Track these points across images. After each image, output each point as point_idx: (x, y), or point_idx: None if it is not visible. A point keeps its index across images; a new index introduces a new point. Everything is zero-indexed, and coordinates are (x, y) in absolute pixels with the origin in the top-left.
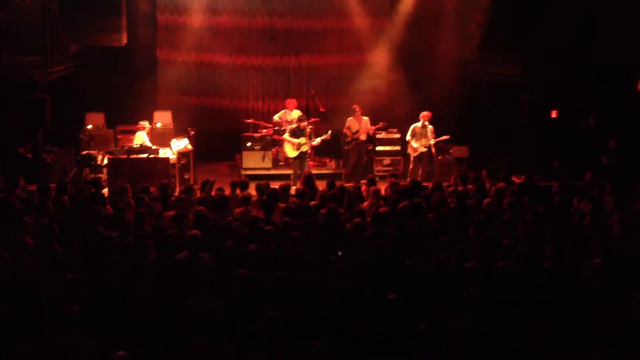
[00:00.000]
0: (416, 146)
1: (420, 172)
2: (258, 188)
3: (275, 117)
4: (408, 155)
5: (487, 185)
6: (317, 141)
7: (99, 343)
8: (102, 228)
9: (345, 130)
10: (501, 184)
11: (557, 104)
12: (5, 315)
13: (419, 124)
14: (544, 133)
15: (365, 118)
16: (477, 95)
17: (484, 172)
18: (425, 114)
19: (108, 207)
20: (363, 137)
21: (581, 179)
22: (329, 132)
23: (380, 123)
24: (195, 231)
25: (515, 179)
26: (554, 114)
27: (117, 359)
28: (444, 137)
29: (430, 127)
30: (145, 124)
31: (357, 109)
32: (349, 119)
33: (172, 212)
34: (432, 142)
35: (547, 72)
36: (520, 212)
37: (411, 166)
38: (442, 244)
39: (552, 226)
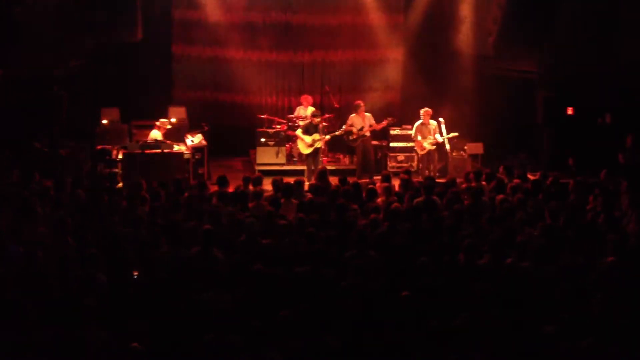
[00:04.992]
0: (423, 144)
1: (430, 170)
2: (274, 183)
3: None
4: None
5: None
6: (327, 137)
7: (112, 336)
8: (116, 222)
9: (348, 128)
10: (516, 181)
11: (573, 101)
12: (21, 308)
13: (421, 122)
14: (560, 130)
15: (368, 114)
16: (492, 91)
17: (500, 169)
18: (426, 110)
19: (123, 201)
20: (367, 133)
21: (597, 177)
22: (343, 127)
23: (390, 118)
24: (208, 226)
25: (530, 176)
26: (569, 111)
27: (132, 350)
28: (452, 135)
29: (433, 123)
30: (164, 123)
31: (362, 105)
32: (351, 115)
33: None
34: (439, 139)
35: (563, 69)
36: (535, 209)
37: (420, 165)
38: (456, 241)
39: (567, 224)
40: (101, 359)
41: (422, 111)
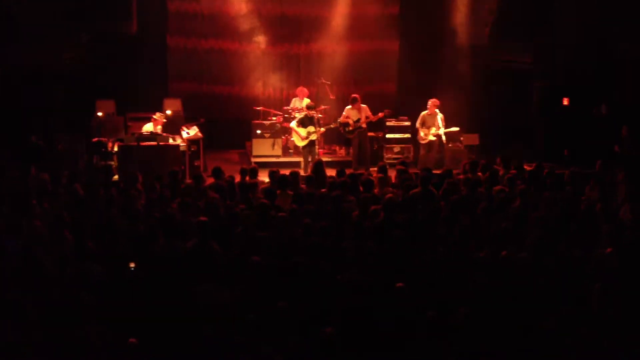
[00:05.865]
0: (423, 134)
1: (430, 160)
2: (271, 175)
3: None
4: (418, 143)
5: (501, 173)
6: (322, 129)
7: (112, 330)
8: (113, 215)
9: (344, 120)
10: (513, 172)
11: (569, 91)
12: (19, 303)
13: (427, 112)
14: (555, 121)
15: (364, 106)
16: (488, 82)
17: (498, 160)
18: (433, 101)
19: (119, 194)
20: (364, 125)
21: (592, 167)
22: (338, 120)
23: (386, 110)
24: (203, 218)
25: (526, 167)
26: (565, 102)
27: (129, 346)
28: (453, 129)
29: (440, 115)
30: (161, 116)
31: (359, 98)
32: (347, 108)
33: (180, 200)
34: (441, 132)
35: (559, 59)
36: (531, 200)
37: (421, 153)
38: (451, 232)
39: (563, 214)
40: (100, 354)
41: (429, 102)
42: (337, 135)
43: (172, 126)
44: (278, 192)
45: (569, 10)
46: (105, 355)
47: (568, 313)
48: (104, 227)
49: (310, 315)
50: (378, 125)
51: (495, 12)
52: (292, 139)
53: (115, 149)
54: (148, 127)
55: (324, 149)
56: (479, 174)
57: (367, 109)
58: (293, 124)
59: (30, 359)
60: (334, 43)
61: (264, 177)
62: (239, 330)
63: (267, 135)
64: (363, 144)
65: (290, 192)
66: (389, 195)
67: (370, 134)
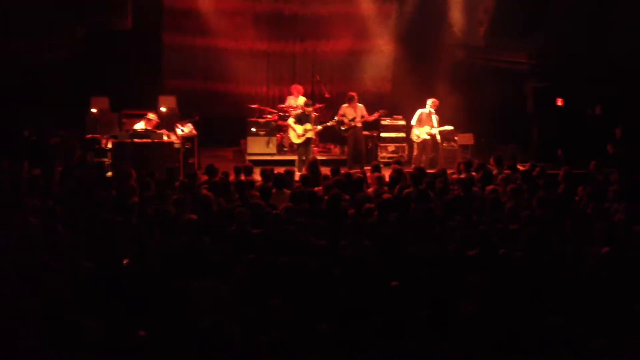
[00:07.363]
0: (418, 133)
1: (423, 159)
2: (263, 173)
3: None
4: (412, 142)
5: (494, 173)
6: (319, 127)
7: (108, 324)
8: (106, 212)
9: (340, 118)
10: (506, 172)
11: (563, 92)
12: (12, 298)
13: (425, 111)
14: (550, 121)
15: (360, 105)
16: (483, 82)
17: (491, 160)
18: (433, 101)
19: (113, 191)
20: (359, 123)
21: (586, 168)
22: (335, 118)
23: (382, 110)
24: (193, 215)
25: (520, 167)
26: (559, 102)
27: (138, 339)
28: (447, 128)
29: (435, 116)
30: (154, 117)
31: (355, 96)
32: (343, 106)
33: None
34: (433, 131)
35: (554, 60)
36: (524, 199)
37: (415, 153)
38: (446, 231)
39: (556, 214)
40: (98, 348)
41: (429, 101)
42: (332, 134)
43: (166, 123)
44: (274, 190)
45: (565, 10)
46: (101, 348)
47: (562, 312)
48: (98, 222)
49: (306, 313)
50: (373, 124)
51: (491, 12)
52: (288, 135)
53: (109, 145)
54: (140, 126)
55: (319, 147)
56: (473, 173)
57: (363, 109)
58: (290, 121)
59: (26, 352)
60: (330, 41)
61: (256, 177)
62: (236, 324)
63: (262, 133)
64: (358, 143)
65: (287, 191)
66: (385, 194)
67: (365, 132)
